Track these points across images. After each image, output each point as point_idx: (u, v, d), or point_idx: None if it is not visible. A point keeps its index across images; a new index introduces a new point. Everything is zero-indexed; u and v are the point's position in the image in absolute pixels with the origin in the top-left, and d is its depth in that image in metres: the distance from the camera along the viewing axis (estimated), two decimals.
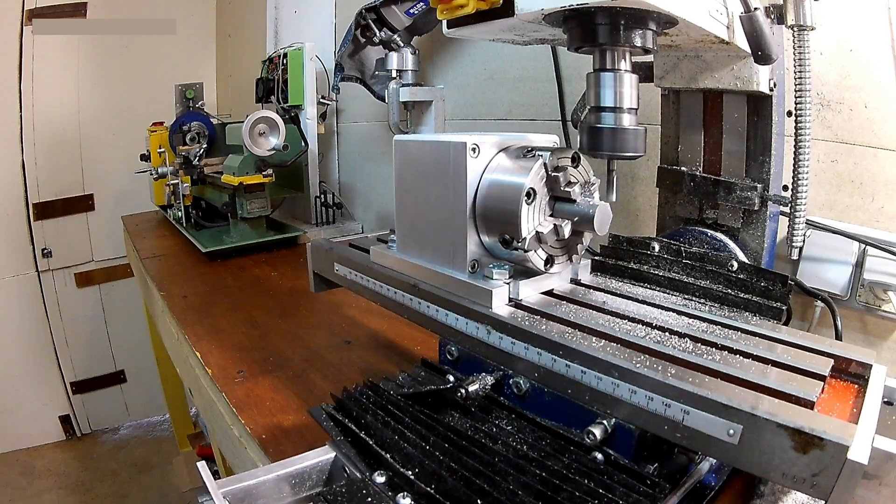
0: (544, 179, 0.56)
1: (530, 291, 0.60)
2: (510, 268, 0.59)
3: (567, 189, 0.55)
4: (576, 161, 0.57)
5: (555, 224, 0.56)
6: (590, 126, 0.54)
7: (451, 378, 0.58)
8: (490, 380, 0.54)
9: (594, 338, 0.50)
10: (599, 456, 0.47)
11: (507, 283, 0.58)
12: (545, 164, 0.55)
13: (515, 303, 0.58)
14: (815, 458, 0.36)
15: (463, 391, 0.52)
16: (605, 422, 0.46)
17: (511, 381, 0.54)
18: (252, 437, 0.72)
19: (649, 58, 0.73)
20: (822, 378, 0.44)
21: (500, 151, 0.59)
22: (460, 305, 0.58)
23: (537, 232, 0.56)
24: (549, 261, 0.59)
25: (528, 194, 0.54)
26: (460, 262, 0.60)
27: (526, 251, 0.56)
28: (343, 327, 1.07)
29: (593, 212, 0.55)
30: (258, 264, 1.54)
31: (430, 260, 0.63)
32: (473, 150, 0.57)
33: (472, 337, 0.57)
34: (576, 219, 0.56)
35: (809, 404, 0.40)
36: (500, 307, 0.57)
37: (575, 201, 0.56)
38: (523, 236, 0.55)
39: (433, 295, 0.62)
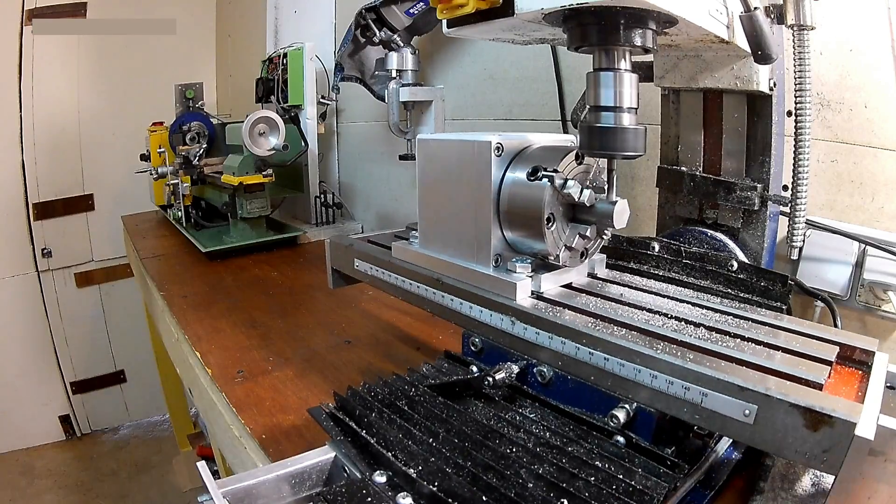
0: (558, 198, 0.57)
1: (551, 284, 0.62)
2: (532, 262, 0.61)
3: (582, 200, 0.56)
4: (579, 157, 0.59)
5: (579, 233, 0.59)
6: (589, 126, 0.55)
7: (475, 369, 0.60)
8: (515, 368, 0.56)
9: (615, 327, 0.52)
10: (621, 439, 0.49)
11: (530, 277, 0.60)
12: (555, 188, 0.56)
13: (537, 295, 0.60)
14: (825, 435, 0.38)
15: (490, 379, 0.54)
16: (627, 406, 0.48)
17: (535, 371, 0.56)
18: (252, 437, 0.72)
19: (649, 57, 0.73)
20: (828, 363, 0.46)
21: (521, 150, 0.61)
22: (484, 298, 0.60)
23: (566, 246, 0.59)
24: (583, 254, 0.63)
25: (548, 219, 0.56)
26: (484, 256, 0.62)
27: (562, 265, 0.61)
28: (343, 327, 1.07)
29: (611, 210, 0.56)
30: (258, 264, 1.54)
31: (454, 255, 0.65)
32: (497, 149, 0.59)
33: (496, 328, 0.59)
34: (595, 220, 0.59)
35: (818, 386, 0.42)
36: (524, 299, 0.59)
37: (592, 206, 0.57)
38: (554, 255, 0.59)
39: (457, 288, 0.63)
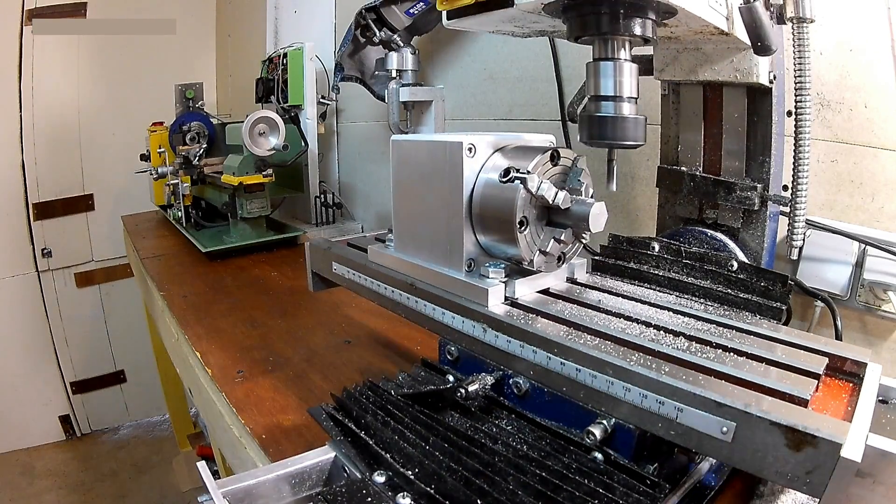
0: (531, 201, 0.55)
1: (526, 290, 0.60)
2: (506, 266, 0.59)
3: (556, 202, 0.54)
4: (555, 158, 0.56)
5: (554, 237, 0.57)
6: (589, 115, 0.54)
7: (451, 378, 0.58)
8: (490, 379, 0.54)
9: (589, 336, 0.50)
10: (599, 456, 0.46)
11: (504, 282, 0.58)
12: (528, 190, 0.53)
13: (511, 301, 0.58)
14: (808, 455, 0.36)
15: (463, 391, 0.52)
16: (604, 422, 0.46)
17: (511, 381, 0.54)
18: (252, 437, 0.72)
19: (649, 50, 0.73)
20: (816, 376, 0.44)
21: (496, 151, 0.59)
22: (457, 304, 0.58)
23: (541, 250, 0.57)
24: (561, 258, 0.61)
25: (520, 223, 0.55)
26: (457, 260, 0.60)
27: (536, 270, 0.58)
28: (343, 327, 1.07)
29: (587, 213, 0.54)
30: (258, 264, 1.53)
31: (427, 259, 0.64)
32: (470, 149, 0.57)
33: (469, 335, 0.57)
34: (571, 223, 0.57)
35: (803, 402, 0.40)
36: (496, 306, 0.57)
37: (568, 209, 0.55)
38: (528, 259, 0.56)
39: (430, 294, 0.62)
